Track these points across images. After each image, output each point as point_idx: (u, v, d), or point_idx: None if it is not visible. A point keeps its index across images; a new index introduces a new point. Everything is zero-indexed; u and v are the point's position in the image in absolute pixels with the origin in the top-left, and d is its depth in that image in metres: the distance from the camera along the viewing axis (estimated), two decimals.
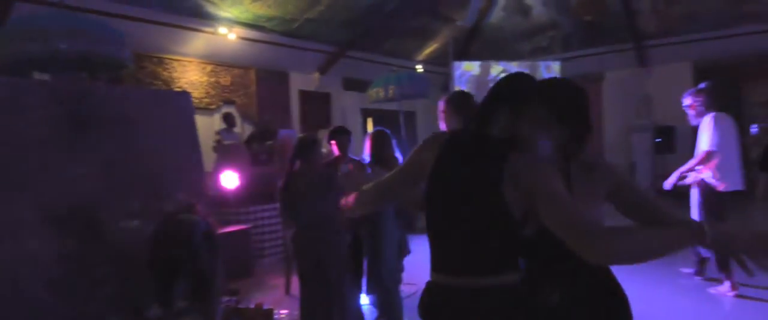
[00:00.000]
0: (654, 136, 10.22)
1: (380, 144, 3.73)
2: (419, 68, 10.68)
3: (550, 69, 10.27)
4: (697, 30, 9.60)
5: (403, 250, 3.87)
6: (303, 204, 3.28)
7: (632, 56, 10.61)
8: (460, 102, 2.64)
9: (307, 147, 3.39)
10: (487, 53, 11.15)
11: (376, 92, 8.28)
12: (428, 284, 1.55)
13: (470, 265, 1.44)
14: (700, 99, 4.31)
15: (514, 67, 10.02)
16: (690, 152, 9.49)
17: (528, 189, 1.33)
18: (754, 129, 8.30)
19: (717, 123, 4.10)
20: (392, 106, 8.58)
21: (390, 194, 1.75)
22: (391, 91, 8.10)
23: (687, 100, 4.53)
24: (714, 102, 4.29)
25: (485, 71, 9.78)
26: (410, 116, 11.45)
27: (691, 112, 4.47)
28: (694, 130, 4.61)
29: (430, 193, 1.54)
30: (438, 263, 1.52)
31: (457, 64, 9.61)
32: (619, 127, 10.98)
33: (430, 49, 11.21)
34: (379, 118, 9.57)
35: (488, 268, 1.43)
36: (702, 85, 4.51)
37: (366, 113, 10.72)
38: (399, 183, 1.71)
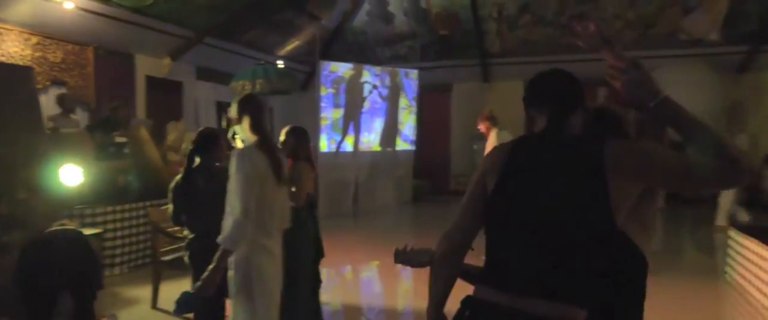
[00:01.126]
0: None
1: (302, 139, 3.48)
2: (281, 64, 10.31)
3: (409, 75, 10.77)
4: (532, 53, 10.96)
5: (320, 252, 3.62)
6: (203, 207, 2.88)
7: (478, 71, 11.68)
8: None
9: (210, 140, 2.99)
10: (349, 55, 11.25)
11: (241, 85, 7.77)
12: (473, 301, 1.40)
13: (544, 286, 1.28)
14: (486, 122, 6.00)
15: (377, 71, 10.27)
16: None
17: (636, 169, 1.28)
18: None
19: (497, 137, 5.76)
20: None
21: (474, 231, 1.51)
22: (259, 85, 7.68)
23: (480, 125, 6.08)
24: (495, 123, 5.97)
25: (358, 73, 9.83)
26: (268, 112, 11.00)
27: (482, 129, 6.08)
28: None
29: (509, 201, 1.38)
30: (499, 278, 1.35)
31: (324, 63, 9.49)
32: (464, 135, 11.99)
33: (291, 45, 10.91)
34: None
35: (564, 293, 1.28)
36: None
37: (221, 106, 9.99)
38: (476, 213, 1.47)
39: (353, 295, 5.15)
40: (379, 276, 5.94)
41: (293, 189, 3.16)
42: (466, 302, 1.42)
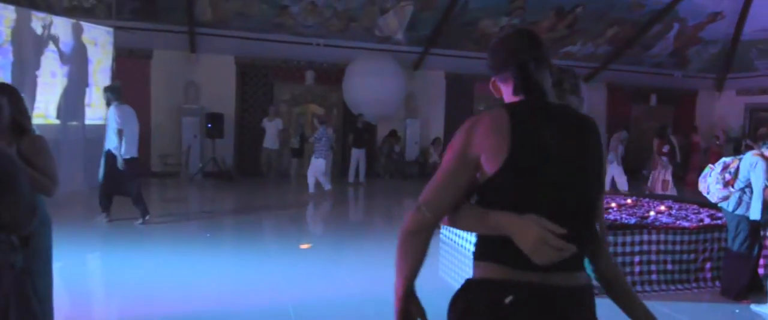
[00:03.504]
0: (204, 121, 10.60)
1: (19, 102, 2.38)
2: None
3: (98, 34, 8.90)
4: (244, 28, 10.62)
5: None
6: None
7: (184, 40, 10.61)
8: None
9: None
10: None
11: None
12: (496, 284, 1.25)
13: (570, 257, 1.23)
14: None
15: (54, 21, 8.09)
16: (237, 138, 10.52)
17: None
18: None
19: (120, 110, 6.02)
20: None
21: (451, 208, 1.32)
22: None
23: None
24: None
25: (25, 20, 7.45)
26: None
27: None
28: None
29: (510, 170, 1.23)
30: (500, 252, 1.24)
31: None
32: (168, 108, 10.74)
33: None
34: None
35: (581, 261, 1.31)
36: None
37: None
38: (458, 189, 1.30)
39: None
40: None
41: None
42: (477, 284, 1.30)
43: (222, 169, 10.68)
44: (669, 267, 4.51)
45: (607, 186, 9.91)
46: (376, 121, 11.89)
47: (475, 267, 1.33)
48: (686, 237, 4.56)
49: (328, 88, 11.94)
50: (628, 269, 4.41)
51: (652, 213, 5.12)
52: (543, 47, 1.38)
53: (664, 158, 9.07)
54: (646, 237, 4.46)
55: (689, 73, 13.54)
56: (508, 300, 1.21)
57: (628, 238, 4.42)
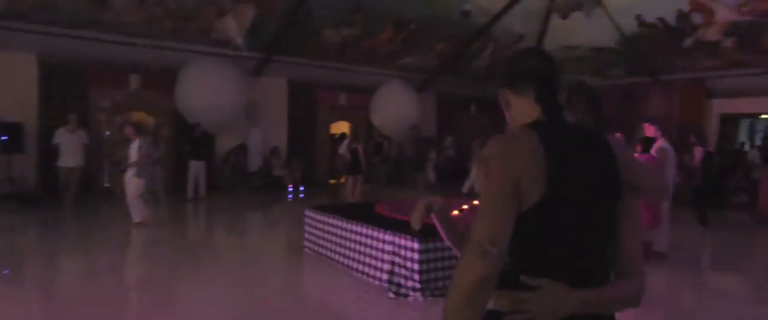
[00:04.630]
0: None
1: None
2: None
3: None
4: (50, 22, 9.02)
5: None
6: None
7: None
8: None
9: None
10: None
11: None
12: None
13: (596, 275, 1.31)
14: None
15: None
16: (40, 152, 8.89)
17: (625, 162, 1.37)
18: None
19: None
20: None
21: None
22: None
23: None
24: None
25: None
26: None
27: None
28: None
29: (556, 200, 1.23)
30: (567, 278, 1.25)
31: None
32: None
33: None
34: None
35: (606, 276, 1.34)
36: None
37: None
38: (511, 221, 1.23)
39: None
40: None
41: None
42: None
43: (21, 190, 8.90)
44: None
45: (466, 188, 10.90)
46: (215, 131, 11.12)
47: (498, 296, 1.29)
48: None
49: (158, 95, 10.78)
50: None
51: None
52: (557, 68, 1.39)
53: None
54: None
55: None
56: None
57: None
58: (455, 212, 5.82)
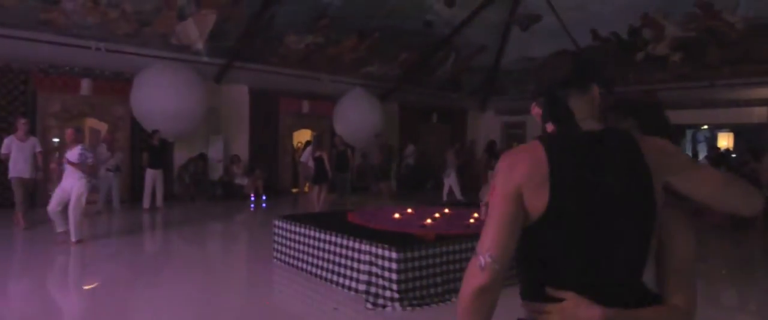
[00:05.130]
0: None
1: None
2: None
3: None
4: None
5: None
6: None
7: None
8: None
9: None
10: None
11: None
12: None
13: (627, 296, 1.24)
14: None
15: None
16: None
17: (667, 167, 1.26)
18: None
19: None
20: None
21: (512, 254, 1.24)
22: None
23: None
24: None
25: None
26: None
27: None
28: None
29: (563, 211, 1.20)
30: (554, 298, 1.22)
31: None
32: None
33: None
34: None
35: (643, 296, 1.27)
36: None
37: None
38: (514, 233, 1.23)
39: None
40: None
41: None
42: None
43: None
44: None
45: (445, 196, 10.94)
46: (174, 139, 10.73)
47: (524, 306, 1.30)
48: None
49: (112, 100, 10.31)
50: (462, 274, 4.81)
51: (471, 220, 5.72)
52: (588, 69, 1.32)
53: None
54: (473, 244, 4.94)
55: (462, 96, 15.71)
56: None
57: (456, 246, 4.82)
58: (471, 220, 5.80)
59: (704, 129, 15.32)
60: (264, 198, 11.53)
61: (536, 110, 1.38)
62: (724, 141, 14.43)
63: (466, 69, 14.50)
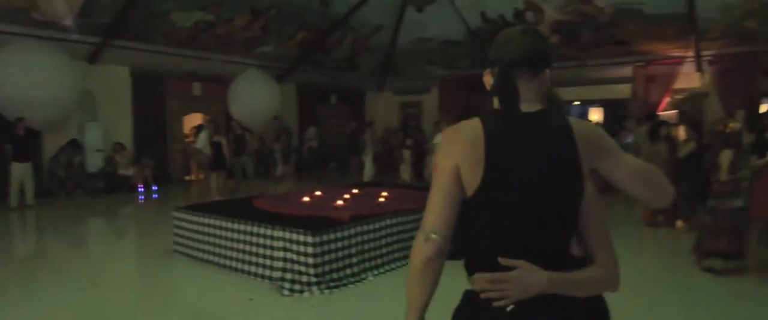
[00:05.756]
0: None
1: None
2: None
3: None
4: None
5: None
6: None
7: None
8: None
9: None
10: None
11: None
12: (478, 294, 1.28)
13: (554, 263, 1.28)
14: None
15: None
16: None
17: (593, 151, 1.33)
18: None
19: None
20: None
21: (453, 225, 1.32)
22: None
23: None
24: None
25: None
26: None
27: None
28: None
29: (495, 188, 1.27)
30: (493, 267, 1.27)
31: None
32: None
33: None
34: None
35: (564, 264, 1.31)
36: None
37: None
38: (455, 206, 1.31)
39: None
40: None
41: None
42: (478, 296, 1.29)
43: None
44: (406, 243, 5.18)
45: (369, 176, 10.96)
46: (42, 127, 9.50)
47: (470, 280, 1.35)
48: (413, 216, 5.30)
49: None
50: (376, 252, 4.86)
51: (381, 199, 5.78)
52: (545, 53, 1.34)
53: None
54: (386, 222, 5.00)
55: (360, 76, 15.71)
56: (510, 308, 1.26)
57: (370, 226, 4.85)
58: (381, 199, 5.83)
59: (577, 104, 16.89)
60: (155, 188, 10.69)
61: (488, 79, 1.39)
62: (595, 115, 16.00)
63: (364, 49, 14.49)
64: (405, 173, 11.43)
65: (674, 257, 5.71)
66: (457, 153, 1.29)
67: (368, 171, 11.58)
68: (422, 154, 11.17)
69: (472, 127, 1.30)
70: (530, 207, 1.28)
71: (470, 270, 1.34)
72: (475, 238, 1.33)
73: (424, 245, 1.28)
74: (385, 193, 6.11)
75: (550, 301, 1.26)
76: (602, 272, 1.34)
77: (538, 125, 1.32)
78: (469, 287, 1.36)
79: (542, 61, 1.33)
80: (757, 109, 10.24)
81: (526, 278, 1.24)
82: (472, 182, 1.27)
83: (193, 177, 12.68)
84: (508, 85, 1.31)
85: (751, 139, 5.63)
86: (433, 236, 1.27)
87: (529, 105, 1.33)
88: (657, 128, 7.14)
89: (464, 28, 12.81)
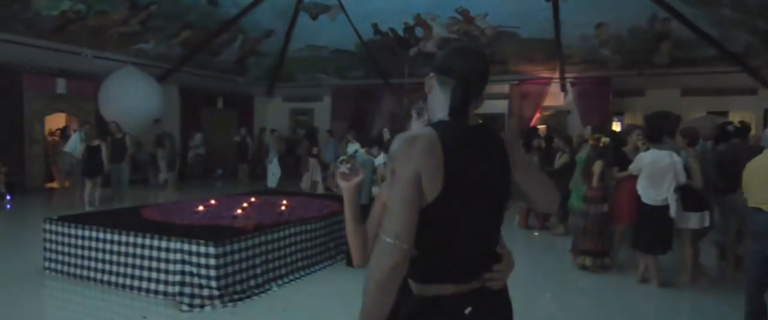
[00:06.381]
0: None
1: None
2: None
3: None
4: None
5: None
6: None
7: None
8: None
9: None
10: None
11: None
12: (443, 300, 1.38)
13: (483, 266, 1.44)
14: None
15: None
16: None
17: (514, 159, 1.48)
18: None
19: None
20: None
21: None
22: None
23: None
24: None
25: None
26: None
27: None
28: None
29: (455, 195, 1.35)
30: (449, 272, 1.40)
31: None
32: None
33: None
34: None
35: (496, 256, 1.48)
36: None
37: None
38: (416, 214, 1.33)
39: None
40: None
41: None
42: (433, 302, 1.39)
43: None
44: (309, 252, 5.13)
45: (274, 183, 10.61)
46: None
47: (419, 288, 1.42)
48: (316, 224, 5.28)
49: None
50: (280, 262, 4.75)
51: (282, 207, 5.66)
52: (483, 79, 1.45)
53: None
54: (291, 231, 4.91)
55: (249, 80, 15.18)
56: (467, 310, 1.37)
57: (274, 235, 4.73)
58: (282, 207, 5.66)
59: None
60: (8, 197, 9.33)
61: (431, 83, 1.49)
62: None
63: (253, 53, 14.06)
64: (306, 182, 11.21)
65: (546, 256, 6.37)
66: (417, 160, 1.32)
67: (274, 176, 11.24)
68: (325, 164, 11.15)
69: (429, 135, 1.35)
70: (484, 211, 1.41)
71: (422, 275, 1.40)
72: (426, 243, 1.37)
73: (391, 251, 1.27)
74: (284, 202, 5.99)
75: (498, 302, 1.45)
76: (509, 263, 1.52)
77: (482, 136, 1.44)
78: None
79: (486, 82, 1.47)
80: (610, 125, 11.78)
81: (511, 260, 1.49)
82: (432, 190, 1.32)
83: (56, 184, 11.28)
84: (467, 95, 1.40)
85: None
86: (400, 244, 1.28)
87: (472, 119, 1.44)
88: (530, 140, 7.89)
89: (357, 38, 13.03)
